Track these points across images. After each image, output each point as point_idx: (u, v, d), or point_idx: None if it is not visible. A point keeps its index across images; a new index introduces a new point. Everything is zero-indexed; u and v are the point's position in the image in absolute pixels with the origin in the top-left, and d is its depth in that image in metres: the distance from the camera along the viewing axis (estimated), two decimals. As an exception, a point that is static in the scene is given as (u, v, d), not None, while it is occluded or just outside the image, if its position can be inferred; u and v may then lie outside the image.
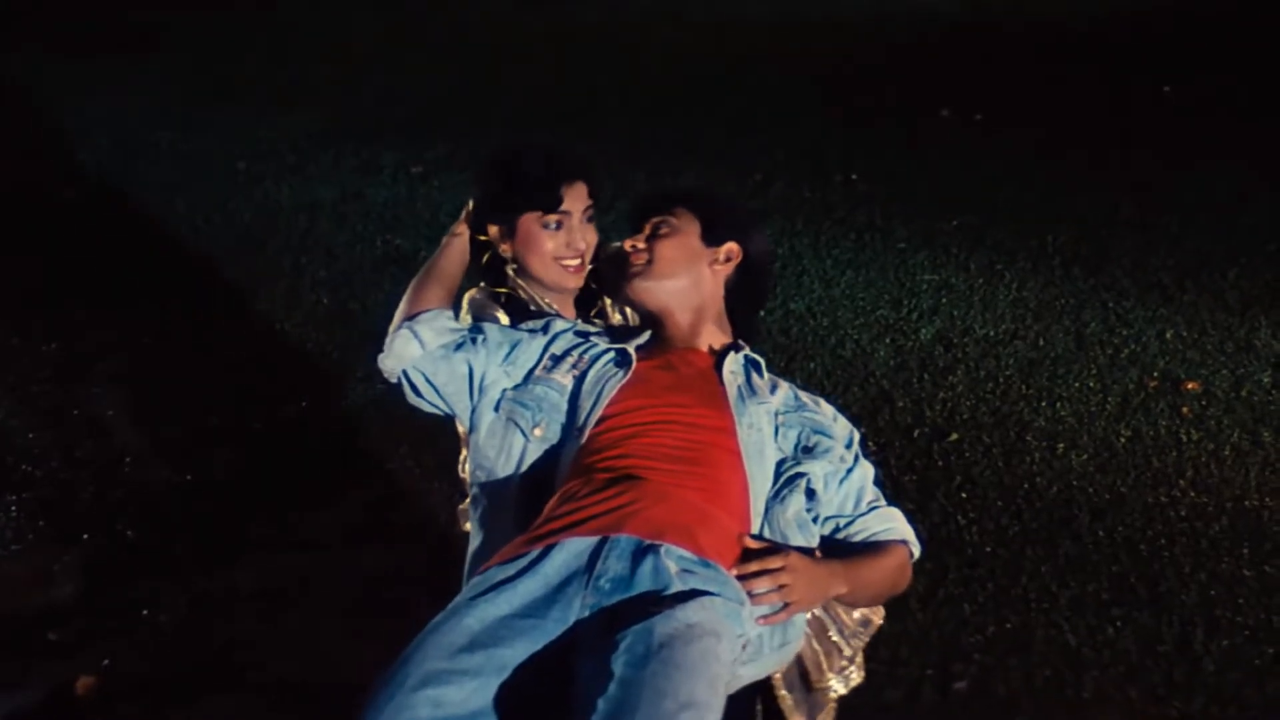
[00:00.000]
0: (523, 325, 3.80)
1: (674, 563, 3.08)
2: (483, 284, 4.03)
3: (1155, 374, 6.44)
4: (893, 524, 3.62)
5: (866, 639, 3.59)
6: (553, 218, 3.87)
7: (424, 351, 3.66)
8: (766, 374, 3.71)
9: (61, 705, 4.47)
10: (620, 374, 3.57)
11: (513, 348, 3.69)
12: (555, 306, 3.99)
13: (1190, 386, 6.31)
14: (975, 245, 8.08)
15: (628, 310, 4.05)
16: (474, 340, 3.67)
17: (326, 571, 5.15)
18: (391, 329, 3.74)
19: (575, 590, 3.03)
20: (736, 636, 3.06)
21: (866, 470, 3.67)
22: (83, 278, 7.97)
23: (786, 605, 3.19)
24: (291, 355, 6.92)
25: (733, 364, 3.63)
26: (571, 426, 3.53)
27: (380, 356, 3.74)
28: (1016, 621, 4.78)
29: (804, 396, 3.73)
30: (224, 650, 4.72)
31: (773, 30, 13.44)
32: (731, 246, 3.80)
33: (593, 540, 3.11)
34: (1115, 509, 5.42)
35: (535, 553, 3.10)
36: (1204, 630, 4.72)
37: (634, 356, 3.62)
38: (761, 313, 3.87)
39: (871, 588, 3.50)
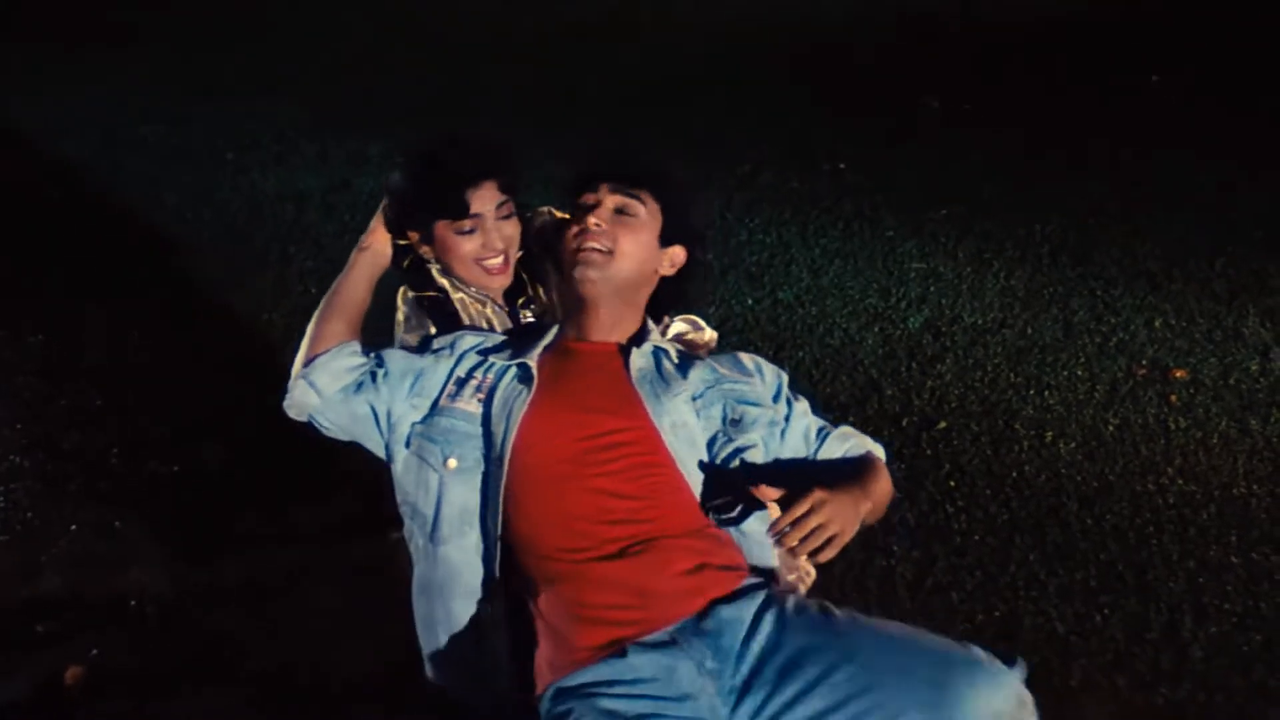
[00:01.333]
0: (432, 346, 3.73)
1: (735, 608, 3.17)
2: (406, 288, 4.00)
3: (1143, 362, 6.45)
4: (851, 440, 3.66)
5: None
6: (465, 223, 3.83)
7: (321, 400, 3.63)
8: (674, 356, 3.64)
9: (49, 697, 4.45)
10: (525, 391, 3.48)
11: (416, 378, 3.62)
12: (487, 295, 3.95)
13: (1178, 374, 6.31)
14: (963, 234, 8.08)
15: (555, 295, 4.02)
16: (374, 377, 3.62)
17: (316, 565, 5.12)
18: (293, 373, 3.69)
19: (698, 675, 3.07)
20: None
21: (803, 408, 3.67)
22: (68, 269, 7.94)
23: (830, 540, 3.15)
24: (279, 346, 6.89)
25: (639, 359, 3.57)
26: (490, 454, 3.44)
27: (284, 403, 3.71)
28: (1004, 610, 4.78)
29: (721, 366, 3.67)
30: (213, 643, 4.70)
31: (760, 21, 13.42)
32: (678, 251, 3.75)
33: (665, 633, 3.14)
34: (1103, 497, 5.42)
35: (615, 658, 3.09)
36: (1192, 618, 4.72)
37: (535, 371, 3.51)
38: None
39: (880, 497, 3.52)
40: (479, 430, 3.48)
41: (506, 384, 3.52)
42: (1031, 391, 6.21)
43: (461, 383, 3.58)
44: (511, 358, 3.59)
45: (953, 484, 5.53)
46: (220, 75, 12.61)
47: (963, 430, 5.91)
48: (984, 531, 5.21)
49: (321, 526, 5.40)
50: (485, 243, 3.87)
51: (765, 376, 3.72)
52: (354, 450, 5.89)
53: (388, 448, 3.61)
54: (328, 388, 3.62)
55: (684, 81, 11.59)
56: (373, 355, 3.71)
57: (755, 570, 3.38)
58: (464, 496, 3.44)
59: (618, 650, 3.11)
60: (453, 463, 3.46)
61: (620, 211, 3.66)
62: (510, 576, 3.38)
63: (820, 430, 3.68)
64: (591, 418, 3.42)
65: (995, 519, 5.29)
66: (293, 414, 3.70)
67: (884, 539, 5.12)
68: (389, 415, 3.58)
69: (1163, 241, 7.87)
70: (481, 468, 3.44)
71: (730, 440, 3.51)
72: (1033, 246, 7.85)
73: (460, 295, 3.98)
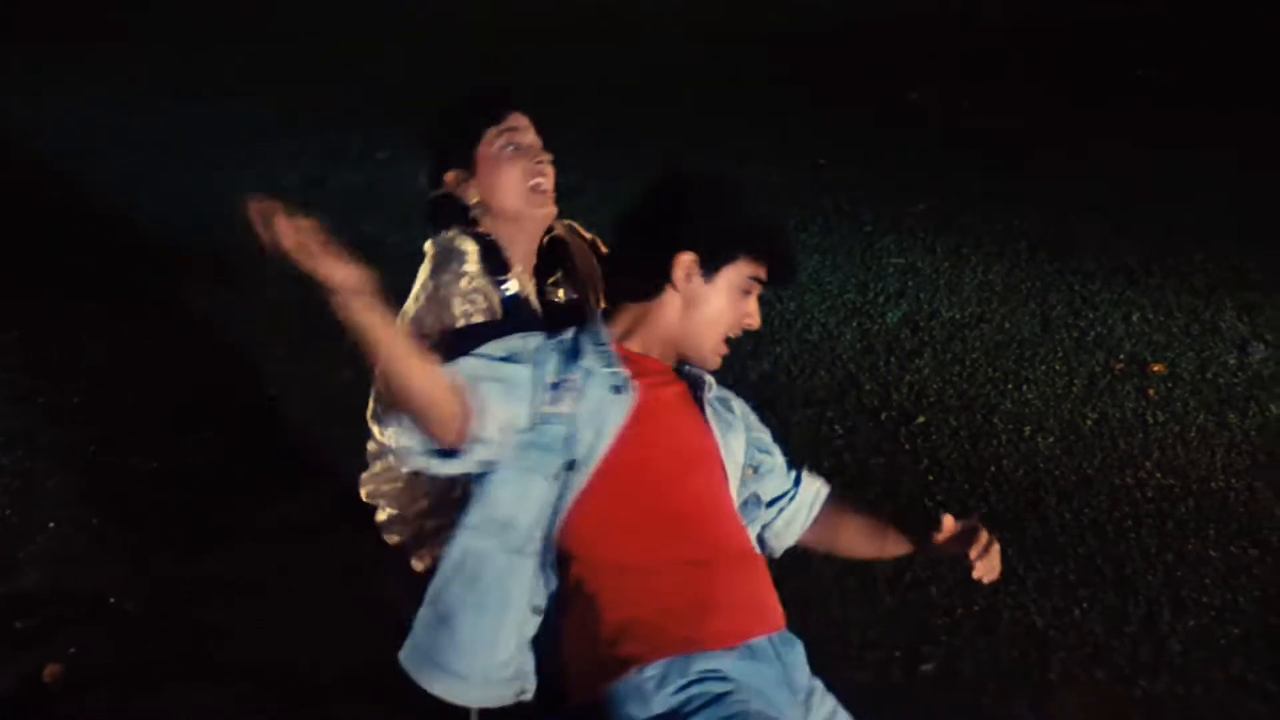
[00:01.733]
0: (512, 349, 3.39)
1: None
2: (450, 231, 3.80)
3: (1121, 357, 6.47)
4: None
5: None
6: (507, 138, 3.79)
7: (501, 447, 3.29)
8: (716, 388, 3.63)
9: (29, 694, 4.45)
10: (621, 403, 3.34)
11: (512, 389, 3.29)
12: (519, 251, 3.84)
13: (1156, 369, 6.34)
14: (942, 229, 8.10)
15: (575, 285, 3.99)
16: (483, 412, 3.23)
17: (297, 560, 5.12)
18: (416, 448, 3.28)
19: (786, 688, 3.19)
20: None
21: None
22: (46, 266, 7.93)
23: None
24: (258, 342, 6.89)
25: (712, 391, 3.55)
26: (573, 458, 3.28)
27: (445, 470, 3.31)
28: (983, 604, 4.80)
29: (748, 414, 3.77)
30: (192, 639, 4.70)
31: (739, 14, 13.42)
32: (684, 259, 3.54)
33: (763, 640, 3.21)
34: (1081, 491, 5.44)
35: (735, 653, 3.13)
36: (1170, 611, 4.74)
37: (633, 388, 3.37)
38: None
39: None
40: (571, 433, 3.28)
41: (599, 391, 3.35)
42: (1009, 386, 6.23)
43: (555, 388, 3.33)
44: (604, 365, 3.40)
45: (931, 478, 5.55)
46: (196, 72, 12.59)
47: (941, 425, 5.92)
48: (963, 526, 5.22)
49: (303, 522, 5.40)
50: (533, 156, 3.80)
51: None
52: (335, 444, 5.93)
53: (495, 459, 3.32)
54: (500, 438, 3.28)
55: (663, 77, 11.59)
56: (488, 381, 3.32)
57: None
58: (548, 498, 3.27)
59: (743, 644, 3.16)
60: (554, 470, 3.27)
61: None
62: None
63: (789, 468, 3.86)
64: (678, 439, 3.41)
65: (974, 513, 5.30)
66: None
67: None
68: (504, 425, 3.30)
69: (1141, 236, 7.89)
70: (564, 472, 3.27)
71: (746, 486, 3.61)
72: (1011, 241, 7.87)
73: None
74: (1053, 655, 4.55)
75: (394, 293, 3.43)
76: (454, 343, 3.48)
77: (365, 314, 3.05)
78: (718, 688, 3.00)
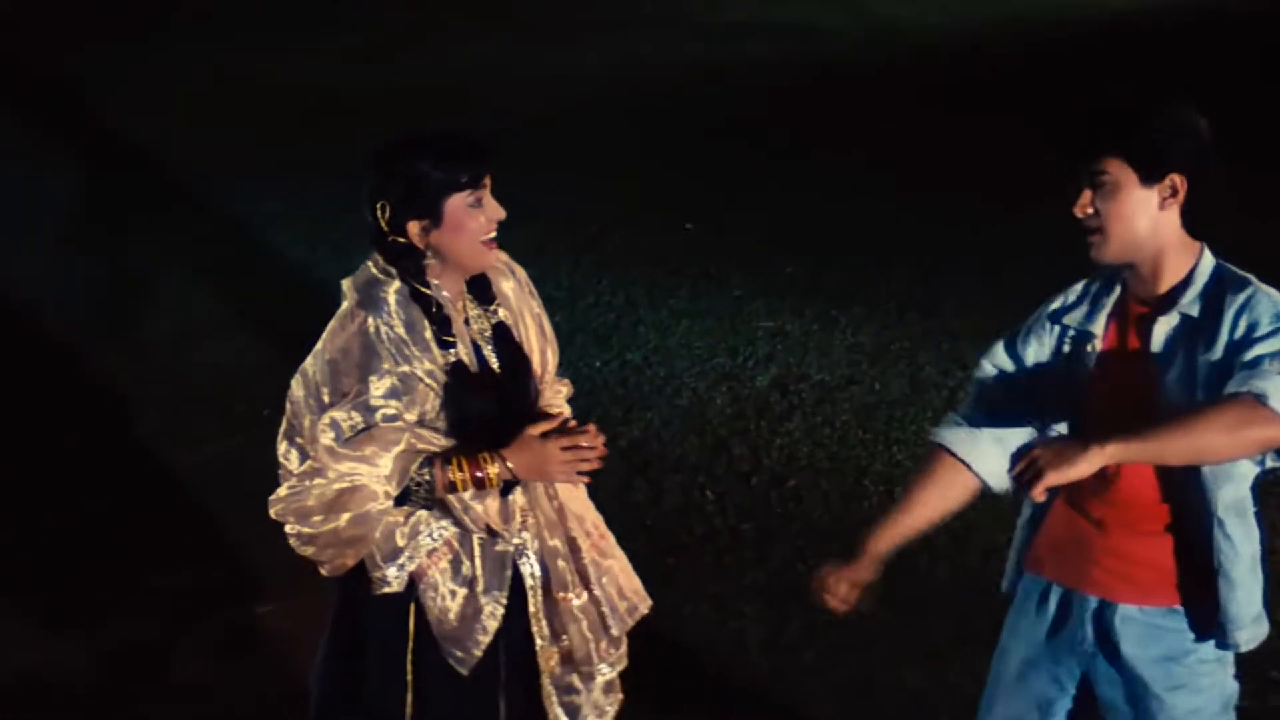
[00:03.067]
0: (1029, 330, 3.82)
1: (1131, 630, 3.47)
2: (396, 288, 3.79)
3: (991, 415, 6.47)
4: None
5: (631, 623, 3.95)
6: (475, 195, 3.75)
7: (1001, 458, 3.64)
8: (1197, 317, 3.51)
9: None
10: (1085, 366, 3.60)
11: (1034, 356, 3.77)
12: (456, 288, 3.87)
13: (1025, 426, 6.35)
14: (811, 291, 8.09)
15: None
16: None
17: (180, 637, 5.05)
18: None
19: (1067, 643, 3.58)
20: (1224, 674, 3.54)
21: None
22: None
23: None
24: (99, 421, 6.80)
25: (1165, 329, 3.50)
26: (1061, 401, 3.61)
27: None
28: (858, 667, 4.76)
29: (1238, 329, 3.48)
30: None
31: (606, 78, 13.43)
32: (1174, 179, 3.52)
33: (1071, 595, 3.56)
34: (956, 549, 5.42)
35: (1040, 588, 3.63)
36: (1045, 670, 4.72)
37: (1098, 342, 3.61)
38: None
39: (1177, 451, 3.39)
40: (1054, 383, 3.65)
41: (1074, 348, 3.65)
42: (880, 447, 6.22)
43: (1053, 343, 3.72)
44: (1083, 322, 3.68)
45: (803, 542, 5.52)
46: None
47: (812, 488, 5.90)
48: (836, 589, 5.18)
49: (182, 597, 5.33)
50: (489, 215, 3.78)
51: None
52: (214, 518, 5.85)
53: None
54: (997, 456, 3.67)
55: (531, 143, 11.55)
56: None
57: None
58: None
59: (1045, 581, 3.63)
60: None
61: (1094, 185, 3.56)
62: None
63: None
64: (1124, 384, 3.52)
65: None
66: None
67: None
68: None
69: (1010, 294, 7.89)
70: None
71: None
72: (880, 302, 7.88)
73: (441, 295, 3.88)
74: (931, 718, 4.51)
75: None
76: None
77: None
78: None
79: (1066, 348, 3.65)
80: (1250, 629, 3.48)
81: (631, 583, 4.07)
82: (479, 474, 3.67)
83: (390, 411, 3.65)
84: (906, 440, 6.24)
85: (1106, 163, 3.50)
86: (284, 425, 3.79)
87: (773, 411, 6.57)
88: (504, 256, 4.02)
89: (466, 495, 3.69)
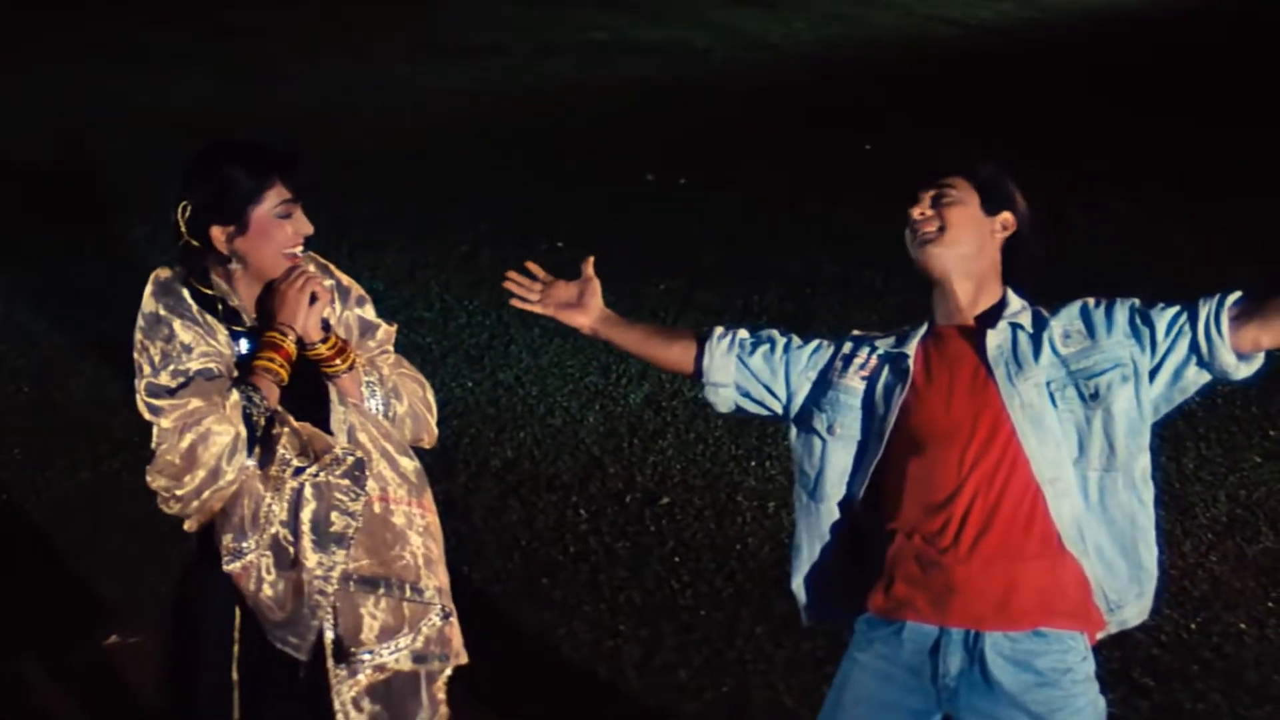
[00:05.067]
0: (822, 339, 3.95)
1: (1002, 658, 3.47)
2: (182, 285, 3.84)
3: (862, 429, 6.50)
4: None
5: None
6: (285, 207, 3.77)
7: (731, 395, 3.94)
8: (1030, 327, 3.68)
9: None
10: (901, 383, 3.69)
11: (813, 353, 3.89)
12: (244, 298, 3.86)
13: (896, 440, 6.39)
14: (683, 308, 8.11)
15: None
16: (775, 346, 3.91)
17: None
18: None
19: (927, 679, 3.54)
20: (1094, 695, 3.55)
21: (1147, 305, 3.67)
22: None
23: None
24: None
25: (995, 337, 3.65)
26: (869, 428, 3.73)
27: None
28: (733, 684, 4.76)
29: (1067, 344, 3.66)
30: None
31: (474, 98, 13.39)
32: (1007, 216, 3.80)
33: (932, 630, 3.53)
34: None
35: (893, 627, 3.59)
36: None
37: (910, 365, 3.70)
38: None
39: None
40: (860, 404, 3.75)
41: (887, 371, 3.74)
42: (753, 463, 6.23)
43: (848, 360, 3.82)
44: (894, 345, 3.79)
45: (677, 560, 5.51)
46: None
47: (686, 505, 5.90)
48: (710, 606, 5.19)
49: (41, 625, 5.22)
50: (297, 227, 3.80)
51: (1112, 321, 3.66)
52: (72, 548, 5.74)
53: (785, 411, 3.89)
54: (724, 378, 3.91)
55: (400, 163, 11.49)
56: (765, 331, 3.99)
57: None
58: (843, 461, 3.75)
59: (899, 620, 3.58)
60: (837, 429, 3.75)
61: (939, 199, 3.78)
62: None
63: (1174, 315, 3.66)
64: (955, 401, 3.62)
65: (721, 593, 5.27)
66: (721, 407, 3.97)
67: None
68: (788, 380, 3.87)
69: (879, 308, 7.99)
70: (859, 439, 3.74)
71: (1095, 410, 3.57)
72: (750, 317, 7.89)
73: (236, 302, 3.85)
74: (804, 734, 4.51)
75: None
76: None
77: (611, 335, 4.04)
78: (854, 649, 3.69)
79: (876, 369, 3.77)
80: (1140, 604, 3.66)
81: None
82: (277, 343, 3.74)
83: (200, 366, 3.73)
84: (779, 455, 6.25)
85: (955, 180, 3.78)
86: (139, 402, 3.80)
87: (646, 429, 6.57)
88: (333, 269, 4.03)
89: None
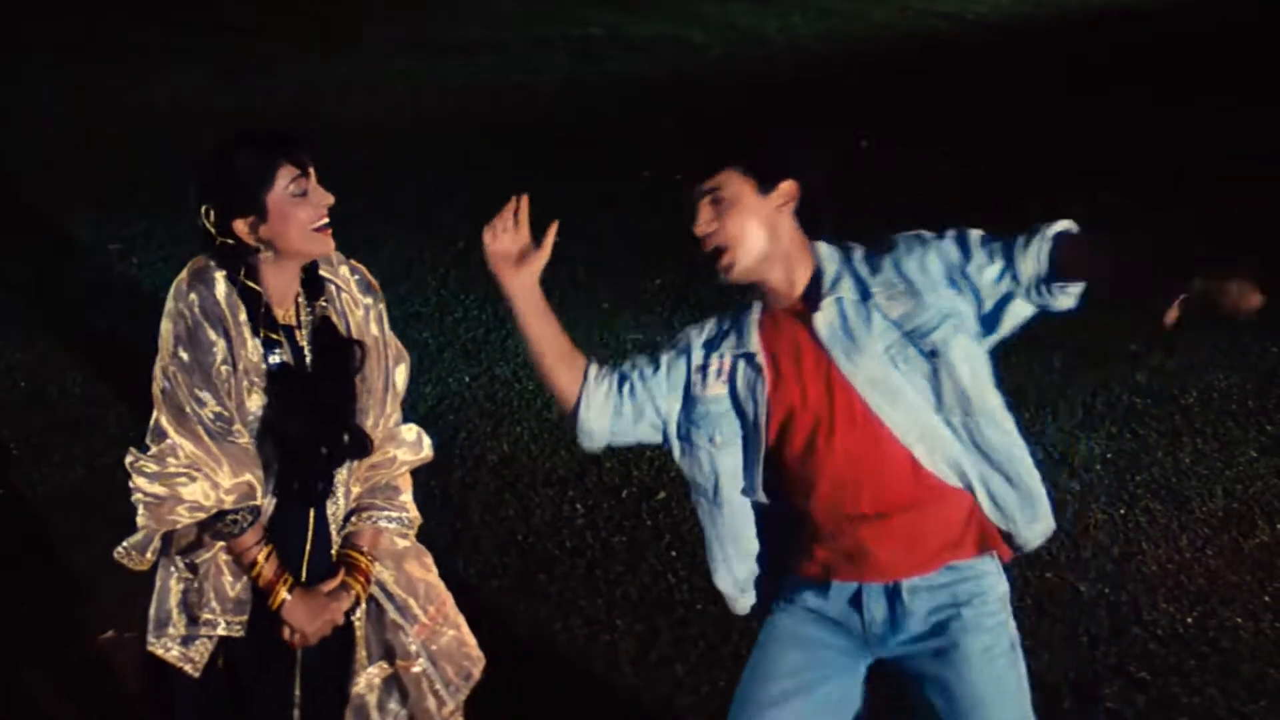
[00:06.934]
0: (672, 346, 3.95)
1: (919, 599, 3.61)
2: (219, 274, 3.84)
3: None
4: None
5: (468, 690, 4.03)
6: (298, 184, 3.78)
7: (607, 436, 3.96)
8: (854, 294, 3.67)
9: None
10: (759, 378, 3.72)
11: (669, 374, 3.89)
12: (287, 281, 3.89)
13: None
14: (678, 303, 8.11)
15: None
16: (632, 386, 3.89)
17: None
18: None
19: (856, 629, 3.69)
20: (1005, 615, 3.67)
21: (961, 247, 3.66)
22: None
23: None
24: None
25: (823, 318, 3.64)
26: (745, 426, 3.77)
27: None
28: (728, 680, 4.73)
29: (896, 302, 3.66)
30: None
31: (469, 93, 13.38)
32: (785, 187, 3.75)
33: (853, 585, 3.67)
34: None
35: (818, 586, 3.73)
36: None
37: (762, 362, 3.73)
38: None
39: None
40: (730, 408, 3.79)
41: (743, 371, 3.76)
42: (749, 456, 6.22)
43: (703, 370, 3.84)
44: (737, 346, 3.80)
45: (674, 554, 5.52)
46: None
47: (682, 500, 5.88)
48: (706, 600, 5.18)
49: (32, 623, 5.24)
50: (317, 202, 3.81)
51: (930, 275, 3.65)
52: (51, 544, 5.74)
53: (665, 437, 3.90)
54: (600, 428, 3.92)
55: (395, 159, 11.49)
56: (622, 367, 3.97)
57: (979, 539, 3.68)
58: (732, 463, 3.80)
59: (823, 580, 3.71)
60: (718, 439, 3.79)
61: (713, 202, 3.76)
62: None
63: (988, 243, 3.67)
64: (808, 391, 3.66)
65: (717, 588, 5.26)
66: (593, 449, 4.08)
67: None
68: (658, 410, 3.88)
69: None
70: (740, 438, 3.78)
71: (939, 363, 3.60)
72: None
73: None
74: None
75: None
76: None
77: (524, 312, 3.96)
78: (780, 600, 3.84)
79: (731, 371, 3.79)
80: (1039, 525, 3.72)
81: (466, 648, 4.12)
82: (266, 584, 3.81)
83: (227, 416, 3.75)
84: (775, 451, 6.25)
85: (722, 178, 3.74)
86: (152, 422, 3.81)
87: (642, 424, 6.56)
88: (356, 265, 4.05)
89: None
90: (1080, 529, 5.85)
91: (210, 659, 3.84)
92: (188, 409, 3.71)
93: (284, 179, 3.76)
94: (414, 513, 4.11)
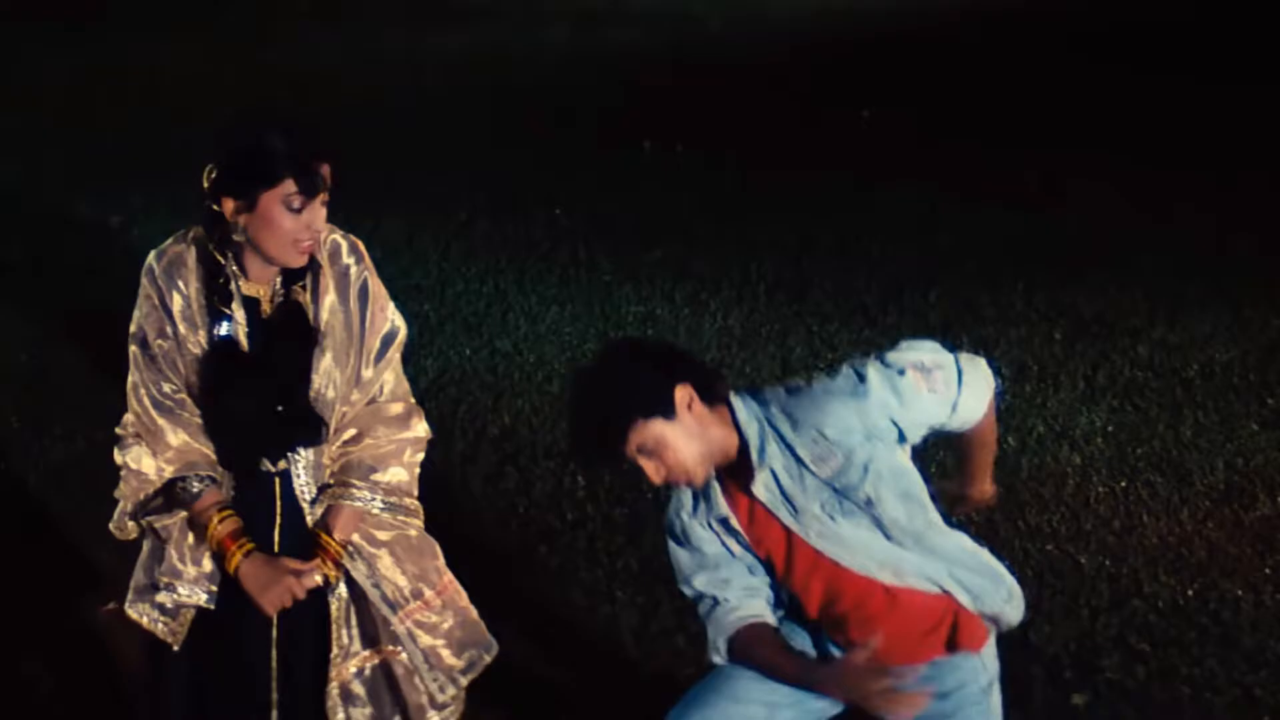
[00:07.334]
0: (683, 539, 3.84)
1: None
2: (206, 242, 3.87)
3: (859, 396, 6.50)
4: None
5: (473, 675, 4.02)
6: (298, 200, 3.71)
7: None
8: (784, 456, 3.67)
9: None
10: (737, 537, 3.73)
11: (720, 555, 3.79)
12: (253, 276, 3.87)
13: (894, 407, 6.38)
14: (679, 276, 8.10)
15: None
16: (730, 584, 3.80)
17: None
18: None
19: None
20: (992, 700, 3.78)
21: (888, 401, 3.68)
22: None
23: None
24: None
25: (762, 489, 3.66)
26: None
27: None
28: (731, 651, 4.75)
29: (821, 465, 3.66)
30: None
31: (472, 63, 13.38)
32: (681, 396, 3.65)
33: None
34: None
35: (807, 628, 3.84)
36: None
37: (736, 526, 3.73)
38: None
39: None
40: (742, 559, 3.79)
41: (724, 531, 3.76)
42: (750, 429, 6.21)
43: (704, 532, 3.79)
44: (708, 512, 3.77)
45: (675, 526, 5.49)
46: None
47: (684, 471, 5.88)
48: (707, 573, 5.18)
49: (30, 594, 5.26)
50: (310, 223, 3.75)
51: (854, 440, 3.66)
52: (53, 516, 5.75)
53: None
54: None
55: (396, 130, 11.47)
56: (715, 597, 3.85)
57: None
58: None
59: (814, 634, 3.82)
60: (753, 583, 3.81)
61: (648, 455, 3.64)
62: None
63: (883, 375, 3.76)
64: (772, 549, 3.72)
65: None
66: None
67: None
68: (750, 569, 3.80)
69: (877, 276, 7.98)
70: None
71: (876, 508, 3.64)
72: (749, 285, 7.90)
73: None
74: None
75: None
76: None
77: None
78: None
79: (722, 535, 3.77)
80: (1014, 602, 3.75)
81: (472, 635, 4.08)
82: (219, 546, 3.78)
83: (173, 388, 3.81)
84: (776, 422, 6.25)
85: (635, 435, 3.60)
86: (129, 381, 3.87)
87: (643, 396, 6.56)
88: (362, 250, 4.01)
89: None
90: (1081, 502, 5.85)
91: (197, 633, 3.84)
92: (138, 380, 3.80)
93: (287, 189, 3.71)
94: (402, 497, 3.96)
